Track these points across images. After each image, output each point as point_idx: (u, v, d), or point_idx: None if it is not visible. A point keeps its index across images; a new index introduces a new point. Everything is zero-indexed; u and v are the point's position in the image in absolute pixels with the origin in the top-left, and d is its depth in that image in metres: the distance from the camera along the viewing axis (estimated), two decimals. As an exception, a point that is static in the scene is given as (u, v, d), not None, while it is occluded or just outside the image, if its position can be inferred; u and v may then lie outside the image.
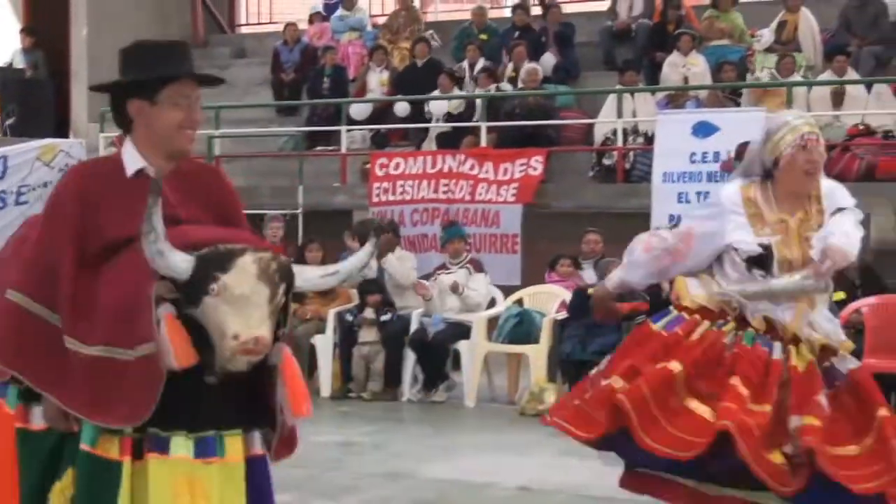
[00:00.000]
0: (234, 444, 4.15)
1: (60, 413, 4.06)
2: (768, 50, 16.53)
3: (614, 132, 15.70)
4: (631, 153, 15.63)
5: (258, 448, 4.24)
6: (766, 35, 16.96)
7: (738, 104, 15.73)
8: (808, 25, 16.70)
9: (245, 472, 4.17)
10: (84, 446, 4.03)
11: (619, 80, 16.58)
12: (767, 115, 14.52)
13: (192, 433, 4.06)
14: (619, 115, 15.69)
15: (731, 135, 14.35)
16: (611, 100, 15.99)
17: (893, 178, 13.91)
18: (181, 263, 3.92)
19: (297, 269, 4.21)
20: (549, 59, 17.89)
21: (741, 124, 14.50)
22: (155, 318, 3.94)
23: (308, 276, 4.36)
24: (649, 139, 15.31)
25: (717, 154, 14.33)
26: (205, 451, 4.06)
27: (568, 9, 20.14)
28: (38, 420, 4.17)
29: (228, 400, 4.12)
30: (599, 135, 16.08)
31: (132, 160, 4.23)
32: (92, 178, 4.23)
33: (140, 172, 4.22)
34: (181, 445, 4.03)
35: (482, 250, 14.58)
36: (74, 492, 4.08)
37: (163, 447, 4.02)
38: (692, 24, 17.49)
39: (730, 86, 16.20)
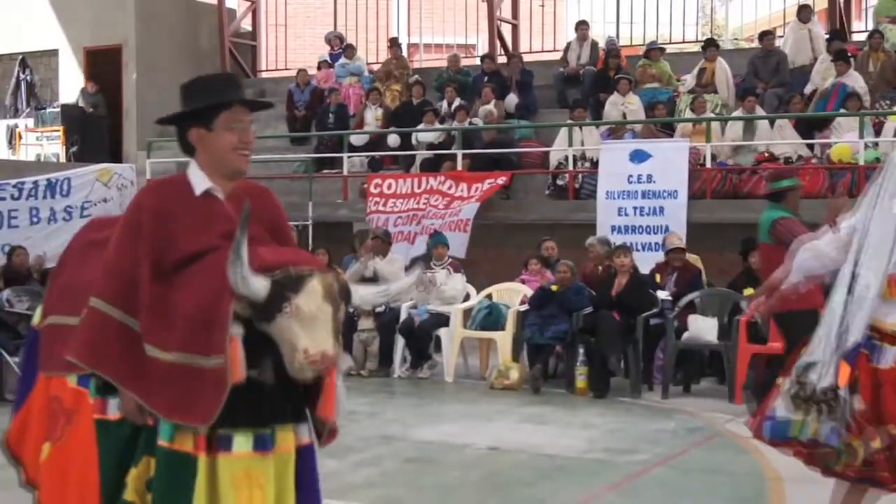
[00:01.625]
0: (285, 436, 3.99)
1: (137, 408, 3.87)
2: (691, 91, 16.57)
3: (566, 158, 15.72)
4: (580, 175, 15.64)
5: (306, 437, 4.09)
6: (689, 80, 17.02)
7: (668, 136, 15.74)
8: (723, 71, 16.72)
9: (295, 459, 4.05)
10: (162, 442, 3.85)
11: (570, 115, 16.58)
12: (690, 144, 14.68)
13: (252, 430, 3.90)
14: (570, 144, 15.70)
15: (661, 160, 14.46)
16: (563, 132, 16.00)
17: (792, 196, 13.92)
18: (261, 289, 3.76)
19: (353, 287, 4.04)
20: (512, 98, 17.92)
21: (669, 151, 14.62)
22: (229, 334, 3.79)
23: (363, 293, 4.22)
24: (595, 164, 15.35)
25: (649, 176, 14.40)
26: (262, 445, 3.90)
27: (528, 58, 20.15)
28: (113, 410, 3.96)
29: (283, 399, 3.98)
30: (554, 160, 16.08)
31: (200, 181, 4.04)
32: (165, 197, 4.01)
33: (207, 192, 4.05)
34: (242, 443, 3.87)
35: (444, 230, 14.63)
36: (150, 477, 3.90)
37: (227, 445, 3.86)
38: (628, 71, 17.49)
39: (660, 121, 16.22)
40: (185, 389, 3.78)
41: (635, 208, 14.34)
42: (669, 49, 19.66)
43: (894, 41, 16.42)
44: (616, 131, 16.11)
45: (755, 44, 18.52)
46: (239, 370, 3.80)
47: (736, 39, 23.52)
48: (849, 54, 15.75)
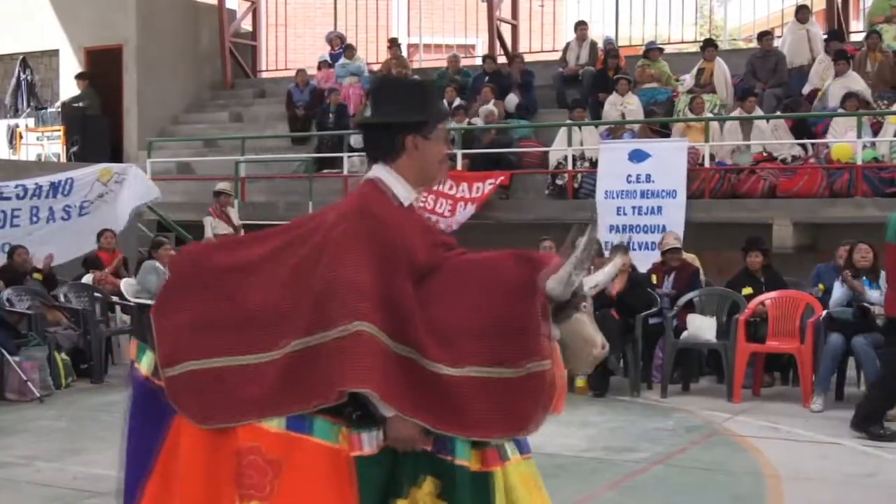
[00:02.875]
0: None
1: (417, 435, 3.52)
2: (690, 92, 16.59)
3: (565, 158, 15.74)
4: (579, 175, 15.65)
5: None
6: (688, 80, 17.04)
7: (666, 136, 15.76)
8: (722, 72, 16.75)
9: None
10: (461, 462, 3.56)
11: (569, 115, 16.60)
12: (689, 144, 14.69)
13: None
14: (569, 144, 15.72)
15: (660, 160, 14.47)
16: (562, 132, 16.01)
17: (791, 196, 13.96)
18: (572, 288, 3.65)
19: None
20: (512, 98, 17.94)
21: (668, 151, 14.65)
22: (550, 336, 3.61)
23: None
24: (594, 164, 15.36)
25: (648, 176, 14.42)
26: (527, 448, 3.78)
27: (527, 58, 20.16)
28: (369, 445, 3.56)
29: None
30: (553, 160, 16.10)
31: (404, 191, 3.77)
32: (386, 208, 3.69)
33: (411, 204, 3.83)
34: (511, 450, 3.69)
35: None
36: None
37: (505, 454, 3.66)
38: (627, 71, 17.51)
39: (659, 121, 16.26)
40: (490, 403, 3.55)
41: (634, 208, 14.36)
42: (668, 49, 19.68)
43: (890, 41, 16.44)
44: (615, 131, 16.13)
45: (753, 44, 18.53)
46: (562, 372, 3.68)
47: (734, 40, 23.52)
48: (847, 54, 15.76)
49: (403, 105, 3.80)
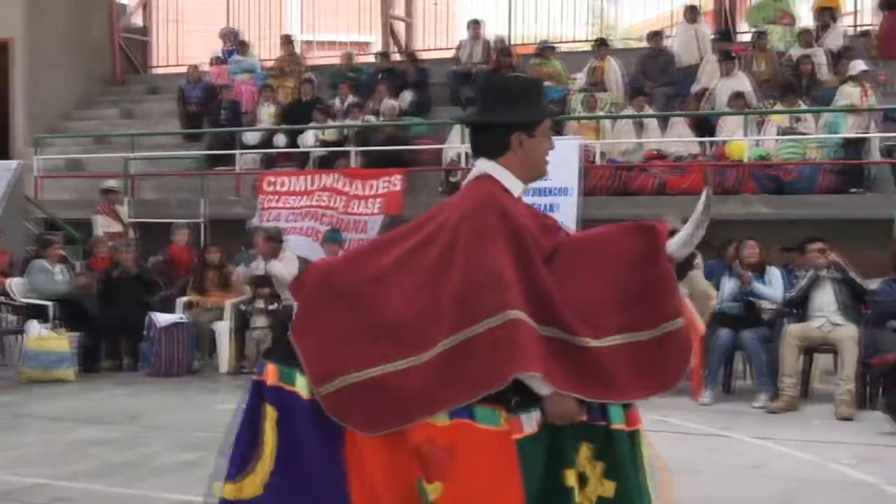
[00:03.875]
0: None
1: (573, 408, 3.72)
2: (583, 90, 16.73)
3: (459, 155, 15.76)
4: (473, 172, 15.65)
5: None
6: (581, 78, 17.18)
7: (559, 134, 15.86)
8: (614, 70, 16.93)
9: None
10: (617, 425, 3.80)
11: (463, 113, 16.63)
12: (582, 141, 14.81)
13: None
14: (463, 141, 15.73)
15: (553, 158, 14.48)
16: (457, 129, 16.03)
17: (681, 193, 14.13)
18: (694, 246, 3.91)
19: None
20: (407, 96, 17.92)
21: (561, 149, 14.58)
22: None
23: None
24: (488, 161, 15.36)
25: (542, 173, 14.45)
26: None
27: (422, 55, 20.17)
28: (529, 426, 3.73)
29: None
30: (447, 157, 16.11)
31: (513, 184, 3.93)
32: (509, 201, 3.85)
33: (519, 196, 3.97)
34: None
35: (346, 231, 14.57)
36: (602, 466, 3.82)
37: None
38: (521, 69, 17.60)
39: (554, 118, 16.34)
40: (636, 366, 3.76)
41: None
42: (562, 48, 19.81)
43: (777, 42, 16.78)
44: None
45: (645, 43, 18.76)
46: (700, 327, 3.90)
47: (626, 39, 23.80)
48: (734, 54, 16.04)
49: (510, 104, 3.96)
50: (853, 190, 13.83)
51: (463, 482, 3.71)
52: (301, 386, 3.87)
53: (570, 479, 3.75)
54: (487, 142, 3.97)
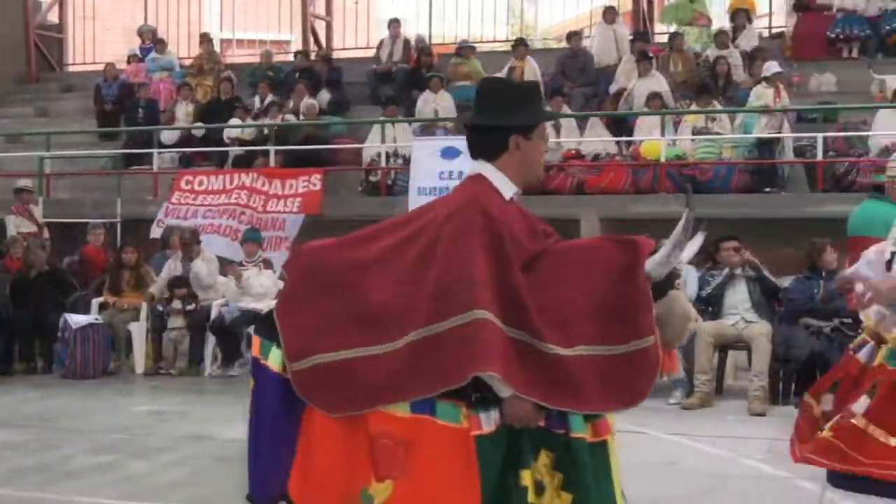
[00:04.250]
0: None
1: (533, 412, 3.75)
2: (502, 89, 16.76)
3: (379, 155, 15.75)
4: (392, 172, 15.67)
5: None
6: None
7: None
8: (533, 70, 17.02)
9: None
10: (578, 434, 3.83)
11: (383, 112, 16.64)
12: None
13: None
14: (383, 140, 15.73)
15: (468, 157, 14.55)
16: (376, 128, 16.02)
17: (598, 192, 14.26)
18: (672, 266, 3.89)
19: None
20: (325, 95, 17.87)
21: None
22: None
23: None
24: (407, 161, 15.39)
25: (461, 172, 14.46)
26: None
27: (341, 54, 20.13)
28: (487, 424, 3.78)
29: None
30: (367, 157, 16.09)
31: (506, 186, 3.97)
32: (494, 202, 3.89)
33: (512, 198, 4.00)
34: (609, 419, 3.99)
35: (269, 249, 14.43)
36: (560, 478, 3.83)
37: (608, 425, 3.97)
38: (441, 69, 17.64)
39: (443, 120, 16.37)
40: (602, 379, 3.76)
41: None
42: (481, 48, 19.88)
43: (693, 43, 16.98)
44: (428, 128, 16.22)
45: (563, 44, 18.88)
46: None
47: (545, 39, 23.94)
48: (651, 55, 16.21)
49: (508, 107, 4.02)
50: (767, 189, 14.05)
51: (416, 480, 3.76)
52: (273, 360, 4.00)
53: (526, 479, 3.79)
54: (485, 144, 4.02)
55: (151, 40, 21.01)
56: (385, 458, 3.80)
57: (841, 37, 17.09)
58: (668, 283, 3.89)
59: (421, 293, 3.80)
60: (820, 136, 14.12)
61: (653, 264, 3.82)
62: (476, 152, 4.04)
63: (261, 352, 4.06)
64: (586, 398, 3.76)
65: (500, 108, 4.03)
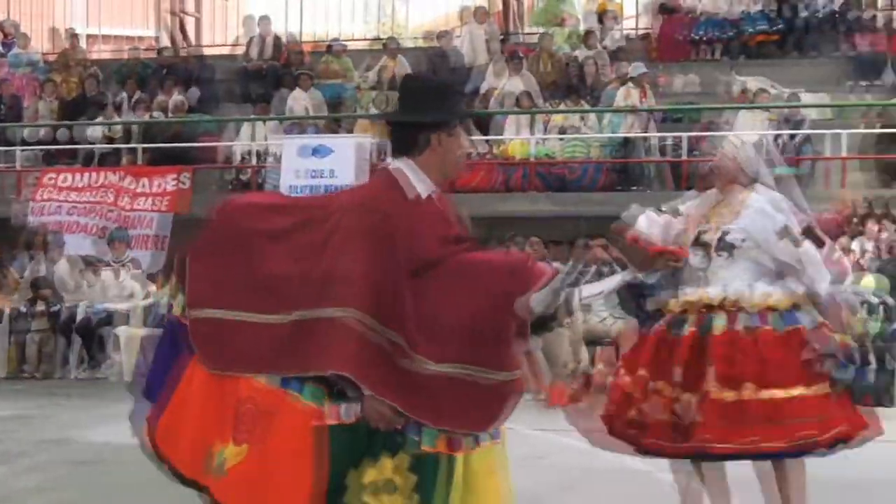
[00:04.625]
0: None
1: (388, 414, 3.74)
2: (373, 88, 16.78)
3: (248, 153, 15.62)
4: (262, 170, 15.56)
5: None
6: (370, 76, 17.23)
7: (349, 131, 15.88)
8: (403, 69, 17.00)
9: None
10: (427, 448, 3.80)
11: (253, 110, 16.52)
12: (371, 140, 14.85)
13: None
14: (252, 138, 15.63)
15: (341, 156, 14.55)
16: (245, 126, 15.89)
17: (469, 191, 14.21)
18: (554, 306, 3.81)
19: (578, 290, 3.93)
20: (193, 92, 17.65)
21: (350, 147, 14.74)
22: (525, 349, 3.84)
23: (584, 294, 4.08)
24: (277, 158, 15.29)
25: (332, 171, 14.47)
26: (497, 433, 3.95)
27: (210, 51, 19.91)
28: (347, 415, 3.79)
29: None
30: (236, 155, 15.95)
31: (421, 185, 3.93)
32: (396, 202, 3.87)
33: (429, 196, 3.95)
34: (484, 437, 3.90)
35: (137, 248, 14.23)
36: (385, 479, 3.82)
37: (472, 441, 3.87)
38: (310, 66, 17.57)
39: (341, 116, 16.37)
40: (464, 399, 3.77)
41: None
42: (351, 46, 19.83)
43: (561, 44, 17.19)
44: (299, 126, 16.13)
45: (433, 43, 18.95)
46: (543, 379, 3.96)
47: (415, 38, 23.95)
48: (520, 55, 16.36)
49: (430, 104, 3.99)
50: (633, 188, 14.29)
51: (268, 450, 3.81)
52: (177, 303, 4.10)
53: (369, 476, 3.82)
54: (406, 140, 3.99)
55: (12, 35, 20.49)
56: (246, 424, 3.85)
57: (704, 39, 17.46)
58: (553, 319, 3.90)
59: (311, 276, 3.84)
60: (684, 135, 14.44)
61: (534, 301, 3.80)
62: (398, 149, 4.03)
63: (174, 293, 4.18)
64: (442, 415, 3.78)
65: (422, 104, 4.03)
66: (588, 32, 17.40)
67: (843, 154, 14.11)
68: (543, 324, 3.89)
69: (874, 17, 16.95)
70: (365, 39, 22.18)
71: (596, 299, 4.28)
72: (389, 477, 3.82)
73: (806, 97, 15.47)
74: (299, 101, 16.50)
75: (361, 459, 3.84)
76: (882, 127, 14.63)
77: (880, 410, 5.73)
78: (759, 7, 17.28)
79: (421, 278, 3.81)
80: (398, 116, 4.18)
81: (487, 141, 15.31)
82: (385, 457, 3.83)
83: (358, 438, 3.82)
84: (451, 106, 4.11)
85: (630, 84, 15.20)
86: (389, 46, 17.61)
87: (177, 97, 16.88)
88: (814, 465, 6.31)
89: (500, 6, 20.48)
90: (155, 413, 4.07)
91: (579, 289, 3.90)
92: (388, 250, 3.78)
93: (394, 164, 4.01)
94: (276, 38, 18.81)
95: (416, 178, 3.95)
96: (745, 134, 6.73)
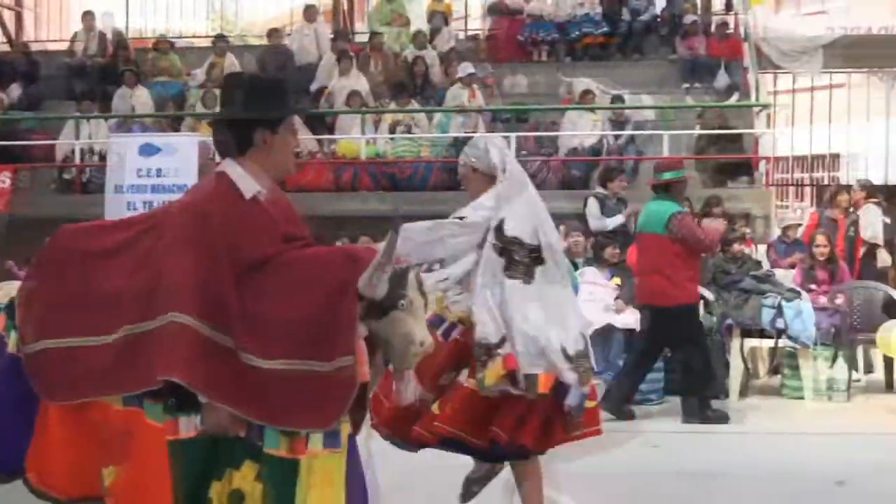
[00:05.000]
0: (345, 430, 3.87)
1: (229, 421, 3.71)
2: (202, 86, 16.56)
3: (73, 151, 15.25)
4: (87, 169, 15.20)
5: (350, 428, 3.95)
6: (199, 74, 17.00)
7: (177, 129, 15.64)
8: (233, 67, 16.80)
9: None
10: (270, 450, 3.74)
11: (77, 108, 16.12)
12: (201, 138, 14.63)
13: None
14: (77, 137, 15.26)
15: (170, 154, 14.29)
16: (70, 124, 15.50)
17: (299, 190, 14.11)
18: (385, 287, 3.74)
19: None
20: (15, 89, 17.14)
21: (179, 146, 14.49)
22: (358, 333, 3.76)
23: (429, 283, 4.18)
24: (103, 157, 14.95)
25: (159, 170, 14.17)
26: (336, 442, 3.81)
27: (34, 46, 19.37)
28: (186, 429, 3.75)
29: None
30: (61, 154, 15.54)
31: (247, 184, 3.89)
32: (224, 203, 3.82)
33: (254, 196, 3.89)
34: (317, 441, 3.77)
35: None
36: (233, 489, 3.79)
37: (314, 444, 3.77)
38: (137, 63, 17.25)
39: (170, 115, 16.10)
40: (298, 395, 3.71)
41: (145, 203, 14.08)
42: (180, 43, 19.53)
43: (392, 43, 17.25)
44: (125, 124, 15.81)
45: (264, 40, 18.79)
46: (366, 370, 3.80)
47: (245, 36, 23.72)
48: (351, 54, 16.36)
49: (255, 101, 3.97)
50: (462, 187, 14.38)
51: (135, 468, 3.79)
52: (12, 340, 4.03)
53: (214, 490, 3.79)
54: (232, 140, 3.96)
55: None
56: (110, 446, 3.83)
57: (531, 40, 17.72)
58: (390, 303, 3.83)
59: (142, 288, 3.81)
60: (513, 135, 14.63)
61: (360, 283, 3.77)
62: (223, 150, 3.99)
63: (5, 328, 4.09)
64: (278, 413, 3.73)
65: (246, 102, 3.99)
66: (418, 32, 17.50)
67: (665, 154, 14.51)
68: (382, 309, 3.83)
69: (695, 21, 17.45)
70: (195, 36, 21.85)
71: (448, 284, 4.33)
72: (237, 486, 3.79)
73: (630, 99, 15.86)
74: (126, 98, 16.18)
75: (208, 474, 3.81)
76: (712, 128, 15.11)
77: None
78: (585, 10, 17.62)
79: (252, 278, 3.78)
80: (221, 115, 4.13)
81: (319, 140, 15.27)
82: (247, 465, 3.80)
83: (202, 452, 3.78)
84: (276, 103, 4.04)
85: (459, 84, 15.36)
86: (219, 44, 17.38)
87: (-1, 94, 16.40)
88: (677, 458, 6.56)
89: (331, 5, 20.43)
90: (21, 451, 3.98)
91: (415, 270, 3.96)
92: (213, 252, 3.74)
93: (220, 166, 3.97)
94: (102, 34, 18.39)
95: (241, 179, 3.91)
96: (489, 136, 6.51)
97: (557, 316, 5.19)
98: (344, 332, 3.74)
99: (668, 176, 9.35)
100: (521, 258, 5.08)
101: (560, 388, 5.13)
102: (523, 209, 5.23)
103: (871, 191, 13.23)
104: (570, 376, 5.11)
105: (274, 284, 3.80)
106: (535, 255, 5.14)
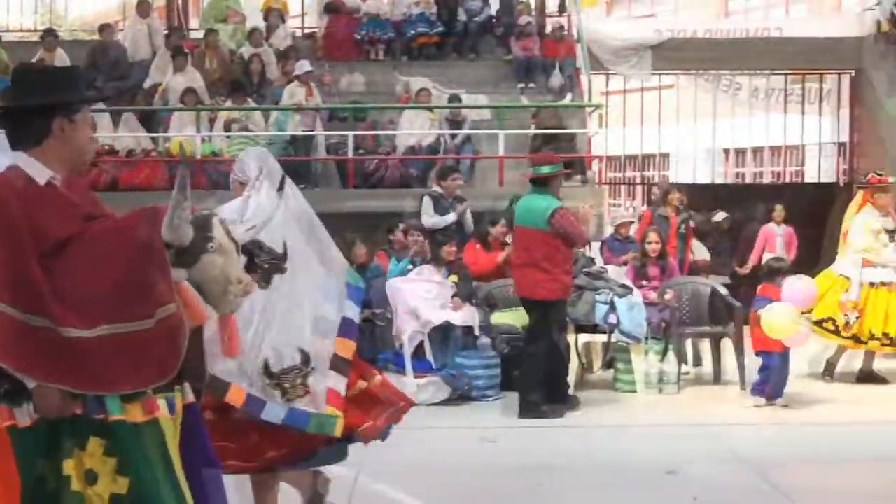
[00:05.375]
0: (179, 398, 3.93)
1: (61, 401, 3.70)
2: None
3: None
4: None
5: (190, 396, 4.00)
6: (28, 69, 16.51)
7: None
8: (63, 62, 16.39)
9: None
10: (116, 417, 3.75)
11: None
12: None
13: (163, 395, 3.86)
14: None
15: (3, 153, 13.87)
16: None
17: (133, 189, 13.96)
18: (190, 232, 3.80)
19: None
20: None
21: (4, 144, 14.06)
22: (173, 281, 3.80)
23: (238, 232, 4.25)
24: None
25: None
26: (171, 409, 3.88)
27: None
28: (21, 417, 3.73)
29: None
30: None
31: (39, 172, 3.85)
32: (19, 190, 3.79)
33: (49, 182, 3.86)
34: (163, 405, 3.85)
35: None
36: (88, 468, 3.77)
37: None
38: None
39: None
40: (124, 356, 3.73)
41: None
42: (7, 37, 18.98)
43: (227, 40, 17.06)
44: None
45: (95, 36, 18.36)
46: (201, 312, 3.91)
47: (75, 30, 23.16)
48: (186, 51, 16.13)
49: (47, 90, 3.94)
50: (301, 186, 14.28)
51: None
52: None
53: (68, 468, 3.76)
54: (25, 131, 3.89)
55: None
56: None
57: (367, 39, 17.72)
58: (198, 247, 3.89)
59: None
60: (350, 134, 14.67)
61: (164, 230, 3.81)
62: (16, 143, 3.90)
63: None
64: (111, 379, 3.75)
65: (38, 91, 3.94)
66: (254, 30, 17.33)
67: (501, 153, 14.70)
68: (193, 254, 3.88)
69: (529, 23, 17.70)
70: (22, 31, 21.25)
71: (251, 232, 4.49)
72: (89, 467, 3.78)
73: (467, 98, 16.02)
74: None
75: (53, 457, 3.78)
76: (546, 128, 15.34)
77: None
78: (420, 10, 17.70)
79: (60, 255, 3.78)
80: (12, 102, 4.01)
81: (153, 138, 15.01)
82: (92, 442, 3.79)
83: (41, 438, 3.77)
84: (69, 91, 4.01)
85: (296, 82, 15.29)
86: (48, 39, 16.90)
87: None
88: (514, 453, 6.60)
89: (164, 1, 20.07)
90: None
91: (218, 216, 4.04)
92: (15, 237, 3.73)
93: (13, 158, 3.92)
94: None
95: (31, 167, 3.89)
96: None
97: (280, 327, 5.22)
98: (158, 283, 3.79)
99: (546, 170, 9.52)
100: (260, 262, 5.06)
101: (252, 403, 5.14)
102: (279, 217, 5.20)
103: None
104: (259, 393, 5.14)
105: (83, 257, 3.81)
106: (275, 263, 5.14)
